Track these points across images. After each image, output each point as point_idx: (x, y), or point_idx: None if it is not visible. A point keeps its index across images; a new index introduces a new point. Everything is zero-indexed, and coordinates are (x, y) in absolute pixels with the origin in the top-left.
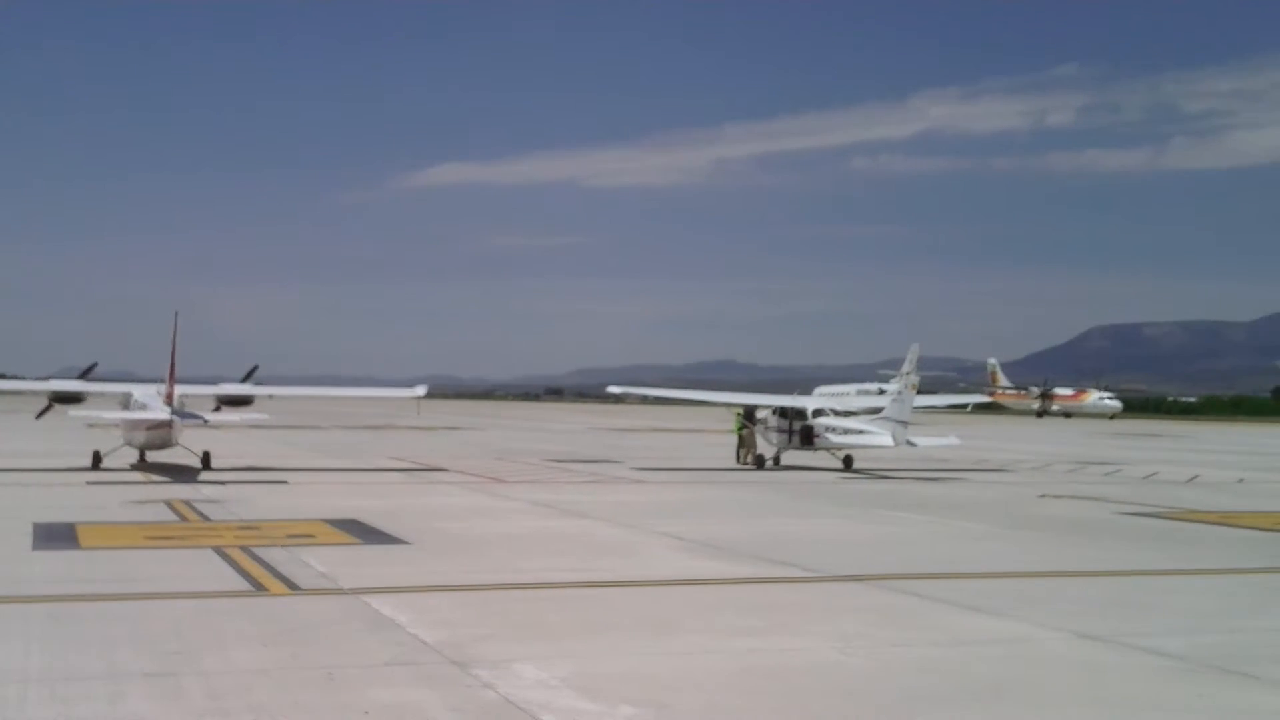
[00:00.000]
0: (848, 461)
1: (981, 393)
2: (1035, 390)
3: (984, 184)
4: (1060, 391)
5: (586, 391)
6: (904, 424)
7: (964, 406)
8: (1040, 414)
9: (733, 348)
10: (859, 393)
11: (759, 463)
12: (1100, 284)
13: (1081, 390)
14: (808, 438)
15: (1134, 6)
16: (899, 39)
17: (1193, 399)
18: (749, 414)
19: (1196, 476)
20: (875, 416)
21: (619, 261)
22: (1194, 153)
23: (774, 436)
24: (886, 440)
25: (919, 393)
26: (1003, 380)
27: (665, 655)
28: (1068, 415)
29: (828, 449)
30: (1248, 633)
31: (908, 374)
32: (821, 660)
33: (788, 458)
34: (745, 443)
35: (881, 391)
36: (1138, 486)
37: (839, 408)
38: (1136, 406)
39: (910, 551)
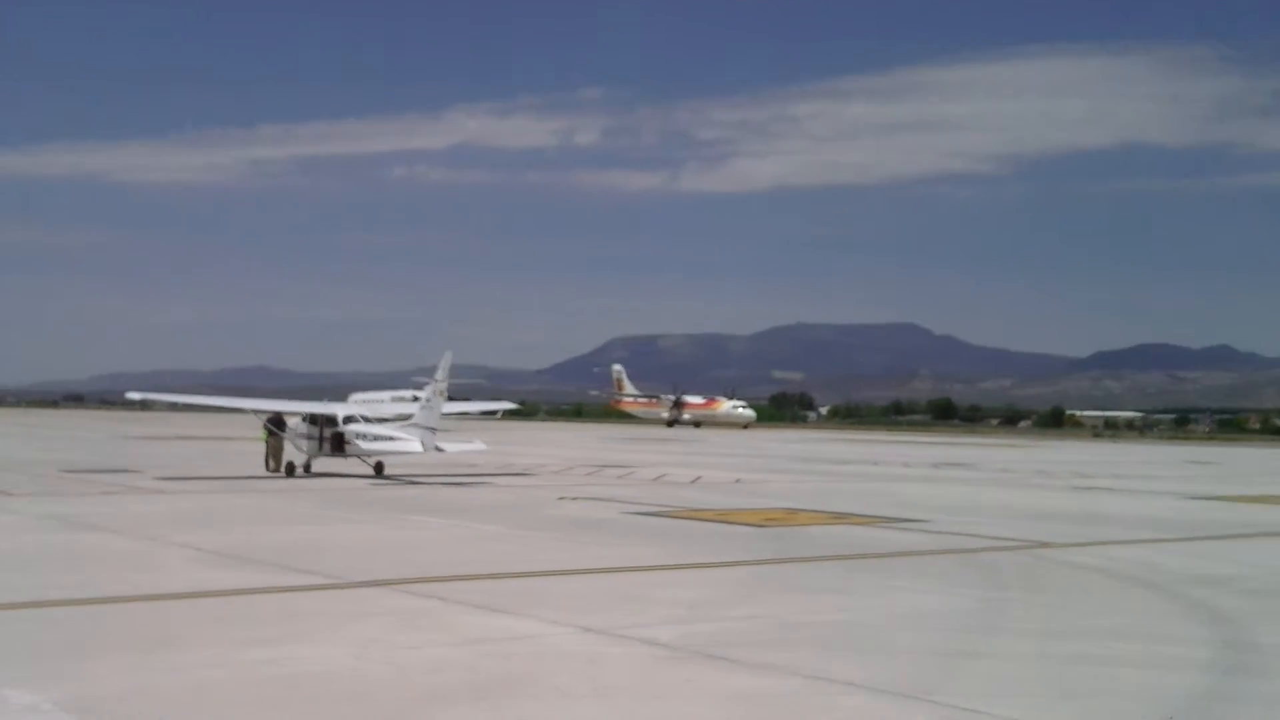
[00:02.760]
0: (379, 468)
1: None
2: (668, 399)
3: (516, 197)
4: (691, 400)
5: (110, 398)
6: (432, 430)
7: (494, 413)
8: (671, 423)
9: (268, 353)
10: (394, 399)
11: (288, 470)
12: (622, 297)
13: (713, 399)
14: (338, 444)
15: (653, 36)
16: (436, 51)
17: None
18: (277, 421)
19: (700, 478)
20: (406, 423)
21: (146, 262)
22: (705, 177)
23: (303, 443)
24: (415, 446)
25: (450, 399)
26: (629, 388)
27: (172, 671)
28: (698, 425)
29: (359, 455)
30: (731, 620)
31: (439, 381)
32: (336, 668)
33: (319, 464)
34: (273, 450)
35: (416, 398)
36: (647, 487)
37: (371, 414)
38: None
39: (431, 555)
